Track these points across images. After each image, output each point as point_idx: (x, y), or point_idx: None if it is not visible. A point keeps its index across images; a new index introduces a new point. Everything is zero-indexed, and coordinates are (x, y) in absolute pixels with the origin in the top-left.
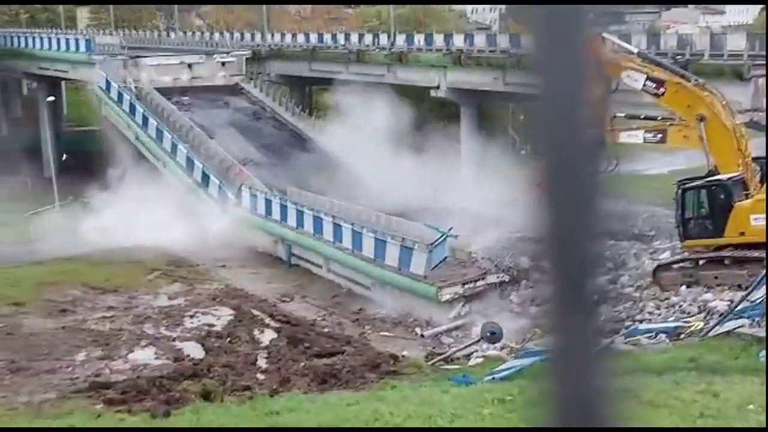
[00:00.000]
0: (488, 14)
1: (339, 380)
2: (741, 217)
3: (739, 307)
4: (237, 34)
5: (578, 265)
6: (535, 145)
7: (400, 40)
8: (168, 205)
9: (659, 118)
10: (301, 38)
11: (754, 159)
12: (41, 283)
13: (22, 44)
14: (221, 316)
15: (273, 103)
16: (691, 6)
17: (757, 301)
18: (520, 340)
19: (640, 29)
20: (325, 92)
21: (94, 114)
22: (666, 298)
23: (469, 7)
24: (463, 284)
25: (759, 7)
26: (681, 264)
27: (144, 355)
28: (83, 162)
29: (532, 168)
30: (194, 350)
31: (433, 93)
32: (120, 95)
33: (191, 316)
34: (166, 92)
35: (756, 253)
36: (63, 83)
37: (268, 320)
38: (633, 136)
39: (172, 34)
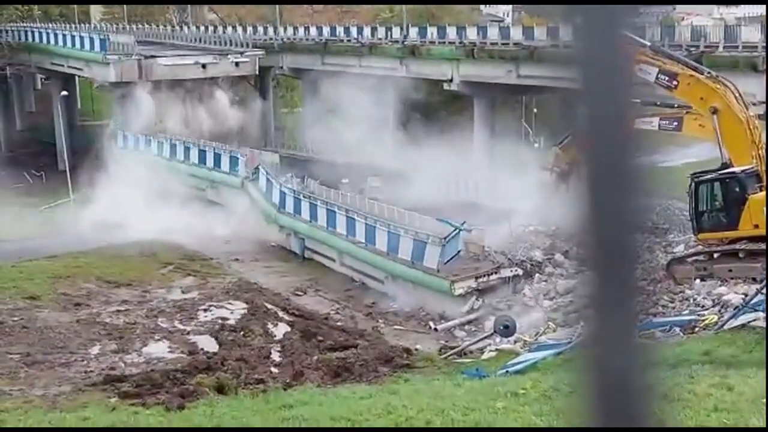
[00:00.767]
0: (501, 6)
1: (352, 374)
2: (755, 210)
3: (753, 300)
4: (250, 28)
5: (616, 258)
6: (575, 137)
7: (413, 33)
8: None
9: (675, 105)
10: (313, 31)
11: None
12: (56, 277)
13: (36, 39)
14: (235, 310)
15: None
16: None
17: None
18: (533, 333)
19: (654, 21)
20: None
21: (107, 108)
22: (680, 292)
23: None
24: (477, 278)
25: None
26: (695, 257)
27: (158, 348)
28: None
29: (545, 159)
30: (208, 344)
31: (446, 86)
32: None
33: (205, 310)
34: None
35: None
36: (77, 78)
37: (281, 314)
38: (648, 123)
39: (185, 29)
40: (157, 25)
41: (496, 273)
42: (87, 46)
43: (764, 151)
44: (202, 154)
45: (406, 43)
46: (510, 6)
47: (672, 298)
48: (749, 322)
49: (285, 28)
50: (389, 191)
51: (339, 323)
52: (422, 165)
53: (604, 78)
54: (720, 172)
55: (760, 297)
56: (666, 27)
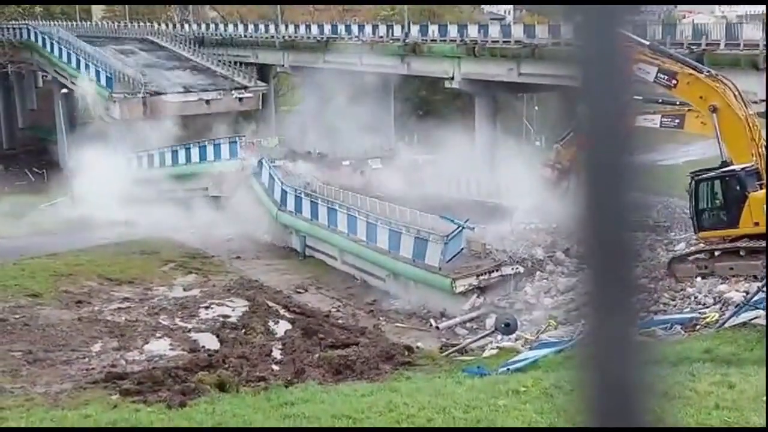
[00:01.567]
0: (502, 5)
1: (353, 371)
2: (755, 208)
3: (754, 298)
4: (251, 26)
5: (615, 256)
6: (574, 135)
7: (415, 30)
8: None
9: (677, 103)
10: (314, 29)
11: None
12: (58, 275)
13: (40, 44)
14: (236, 308)
15: None
16: None
17: None
18: (534, 331)
19: (656, 19)
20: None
21: None
22: (681, 290)
23: None
24: (478, 276)
25: None
26: (696, 255)
27: (159, 346)
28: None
29: (546, 157)
30: (209, 341)
31: (447, 84)
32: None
33: (206, 308)
34: None
35: None
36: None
37: (282, 311)
38: (649, 120)
39: (186, 27)
40: (159, 24)
41: (497, 271)
42: (93, 73)
43: (764, 149)
44: (202, 150)
45: (407, 40)
46: (511, 4)
47: (673, 296)
48: (750, 320)
49: (286, 26)
50: (390, 174)
51: (340, 321)
52: (423, 162)
53: (603, 76)
54: (720, 170)
55: (761, 295)
56: (667, 25)
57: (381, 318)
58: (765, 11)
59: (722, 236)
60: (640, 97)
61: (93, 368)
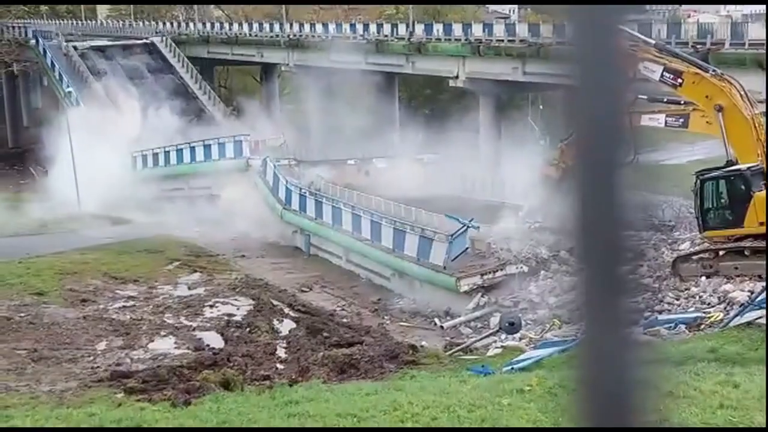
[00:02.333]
0: (506, 4)
1: (358, 370)
2: (760, 207)
3: (759, 298)
4: (256, 25)
5: (607, 254)
6: (568, 134)
7: (419, 29)
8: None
9: (682, 102)
10: (319, 28)
11: None
12: (63, 273)
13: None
14: (241, 306)
15: None
16: None
17: None
18: (538, 330)
19: (661, 18)
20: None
21: None
22: (686, 289)
23: None
24: (482, 275)
25: None
26: (700, 255)
27: (164, 344)
28: None
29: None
30: (214, 340)
31: (451, 83)
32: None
33: (211, 306)
34: None
35: None
36: None
37: (287, 310)
38: (654, 120)
39: (191, 25)
40: (164, 23)
41: (501, 270)
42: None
43: (765, 149)
44: (206, 148)
45: (412, 39)
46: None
47: (677, 295)
48: (755, 319)
49: (291, 25)
50: (395, 174)
51: (345, 320)
52: (427, 161)
53: (598, 76)
54: (725, 169)
55: (766, 294)
56: (672, 24)
57: (385, 317)
58: (766, 11)
59: (727, 236)
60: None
61: (98, 366)
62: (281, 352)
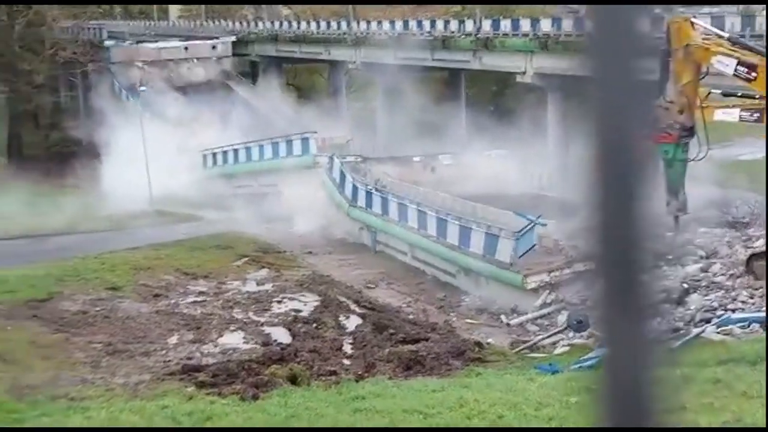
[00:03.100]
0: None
1: (424, 366)
2: None
3: None
4: (323, 23)
5: (629, 258)
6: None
7: (486, 25)
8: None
9: (757, 96)
10: (386, 26)
11: None
12: (137, 268)
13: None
14: (308, 302)
15: None
16: None
17: None
18: None
19: (735, 11)
20: None
21: None
22: (760, 287)
23: None
24: (550, 272)
25: None
26: None
27: (233, 339)
28: None
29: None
30: (282, 335)
31: (519, 78)
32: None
33: (279, 302)
34: None
35: None
36: None
37: (353, 306)
38: (728, 114)
39: (260, 24)
40: (234, 23)
41: (569, 267)
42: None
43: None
44: (274, 146)
45: (479, 35)
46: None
47: (752, 293)
48: None
49: (358, 23)
50: (461, 170)
51: (410, 316)
52: (494, 158)
53: (618, 71)
54: None
55: None
56: (746, 17)
57: (451, 314)
58: (766, 10)
59: None
60: (719, 91)
61: (170, 360)
62: (348, 348)
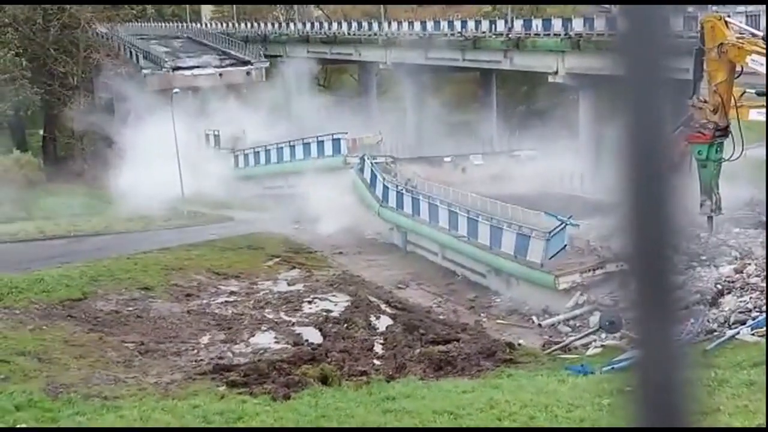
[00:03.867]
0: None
1: (454, 367)
2: None
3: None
4: (354, 24)
5: (662, 259)
6: (683, 130)
7: (518, 25)
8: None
9: None
10: (417, 26)
11: None
12: (168, 269)
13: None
14: (338, 302)
15: None
16: None
17: None
18: None
19: None
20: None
21: None
22: None
23: None
24: (581, 273)
25: None
26: None
27: (264, 339)
28: None
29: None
30: (312, 335)
31: (550, 78)
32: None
33: (309, 302)
34: None
35: None
36: None
37: (384, 307)
38: (762, 114)
39: (292, 26)
40: (265, 24)
41: (601, 268)
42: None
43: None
44: (306, 147)
45: (510, 35)
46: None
47: None
48: None
49: (389, 24)
50: (492, 170)
51: (441, 317)
52: (525, 158)
53: (645, 71)
54: None
55: None
56: None
57: (482, 314)
58: (766, 10)
59: None
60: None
61: (201, 360)
62: (378, 349)
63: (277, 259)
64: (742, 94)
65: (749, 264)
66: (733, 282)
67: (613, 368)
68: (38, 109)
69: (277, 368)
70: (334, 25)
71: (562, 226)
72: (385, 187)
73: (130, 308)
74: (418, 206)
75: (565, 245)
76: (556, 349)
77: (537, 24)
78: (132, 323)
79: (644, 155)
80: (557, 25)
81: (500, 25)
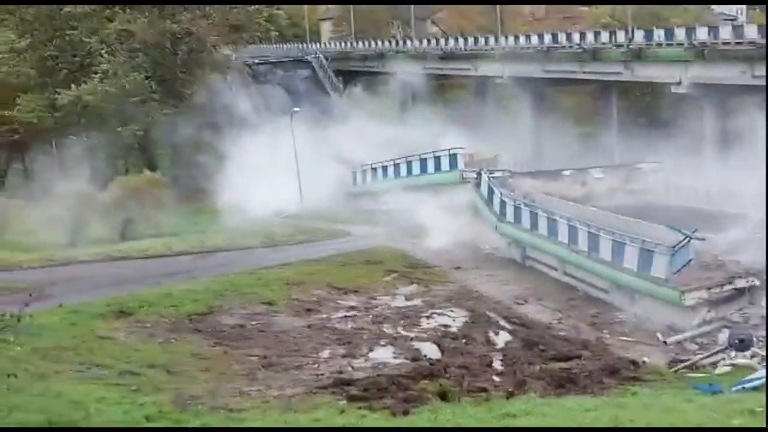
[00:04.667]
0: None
1: (576, 385)
2: None
3: None
4: (471, 39)
5: None
6: None
7: (639, 35)
8: None
9: None
10: (534, 39)
11: None
12: (289, 284)
13: None
14: (456, 318)
15: None
16: None
17: None
18: None
19: None
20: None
21: None
22: None
23: None
24: (709, 288)
25: None
26: None
27: (383, 354)
28: None
29: None
30: (431, 350)
31: (673, 89)
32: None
33: (427, 317)
34: None
35: None
36: None
37: (502, 322)
38: None
39: (408, 43)
40: (382, 42)
41: (730, 283)
42: None
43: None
44: (423, 162)
45: (630, 46)
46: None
47: None
48: None
49: (506, 38)
50: (612, 184)
51: (562, 333)
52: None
53: None
54: None
55: None
56: None
57: (604, 331)
58: (766, 10)
59: None
60: None
61: (322, 374)
62: (497, 364)
63: (395, 274)
64: None
65: None
66: None
67: (743, 388)
68: (166, 129)
69: (395, 383)
70: (451, 41)
71: (687, 240)
72: (503, 202)
73: (254, 322)
74: (537, 221)
75: (691, 260)
76: (682, 367)
77: (659, 34)
78: (255, 337)
79: None
80: (680, 34)
81: (620, 36)
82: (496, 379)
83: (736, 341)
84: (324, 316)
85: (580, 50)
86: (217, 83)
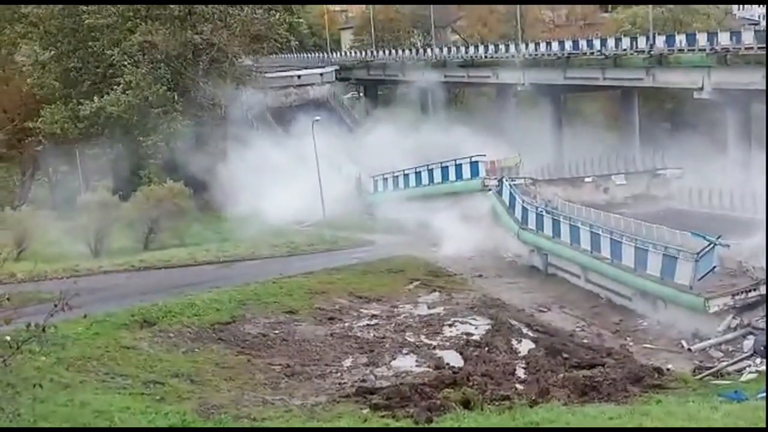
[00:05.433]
0: (756, 9)
1: (600, 393)
2: None
3: None
4: (491, 47)
5: None
6: None
7: (660, 41)
8: None
9: None
10: (555, 46)
11: None
12: (312, 293)
13: None
14: (479, 326)
15: None
16: None
17: None
18: None
19: None
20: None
21: None
22: None
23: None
24: (734, 295)
25: None
26: None
27: (406, 362)
28: None
29: None
30: (453, 359)
31: (696, 95)
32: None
33: (450, 325)
34: None
35: None
36: None
37: (525, 330)
38: None
39: (429, 51)
40: (403, 50)
41: (755, 290)
42: None
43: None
44: (444, 170)
45: (652, 52)
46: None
47: None
48: None
49: (526, 45)
50: (635, 190)
51: (585, 340)
52: (670, 177)
53: None
54: None
55: None
56: None
57: (628, 338)
58: (766, 10)
59: None
60: None
61: (345, 382)
62: (520, 372)
63: (417, 282)
64: None
65: None
66: None
67: None
68: (189, 139)
69: (419, 391)
70: (471, 49)
71: (711, 246)
72: (525, 209)
73: (276, 331)
74: (559, 228)
75: (715, 266)
76: (707, 375)
77: (681, 39)
78: (278, 346)
79: None
80: (702, 39)
81: (641, 42)
82: (519, 387)
83: (762, 348)
84: (346, 324)
85: (601, 57)
86: (236, 93)
